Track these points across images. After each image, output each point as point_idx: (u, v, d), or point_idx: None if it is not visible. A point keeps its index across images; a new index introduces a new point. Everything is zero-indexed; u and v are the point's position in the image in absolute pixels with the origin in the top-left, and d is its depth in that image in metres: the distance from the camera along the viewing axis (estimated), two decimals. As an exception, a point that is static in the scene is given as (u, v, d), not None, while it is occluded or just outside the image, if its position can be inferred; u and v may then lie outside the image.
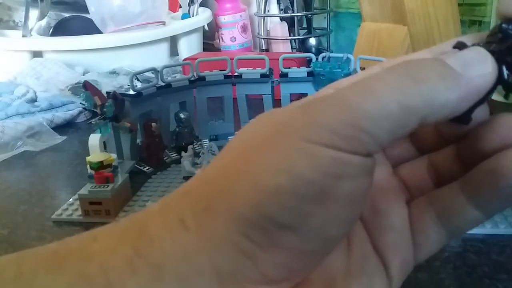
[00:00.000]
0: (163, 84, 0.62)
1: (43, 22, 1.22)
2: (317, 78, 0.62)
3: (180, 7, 1.32)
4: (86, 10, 1.13)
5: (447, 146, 0.19)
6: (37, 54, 1.05)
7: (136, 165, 0.59)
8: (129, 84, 0.59)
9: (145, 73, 0.76)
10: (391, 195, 0.20)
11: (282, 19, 1.09)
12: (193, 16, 1.22)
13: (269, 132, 0.16)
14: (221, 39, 1.16)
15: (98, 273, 0.15)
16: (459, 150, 0.19)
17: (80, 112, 0.86)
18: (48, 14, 1.20)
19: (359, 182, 0.15)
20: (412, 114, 0.15)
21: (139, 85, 0.62)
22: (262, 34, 1.10)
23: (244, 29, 1.15)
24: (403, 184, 0.20)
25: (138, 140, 0.61)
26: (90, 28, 1.11)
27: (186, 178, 0.52)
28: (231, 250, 0.15)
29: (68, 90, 0.92)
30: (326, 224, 0.15)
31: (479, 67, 0.16)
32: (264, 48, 1.13)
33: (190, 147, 0.54)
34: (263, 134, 0.16)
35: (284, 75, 0.63)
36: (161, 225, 0.16)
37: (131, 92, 0.58)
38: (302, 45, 1.09)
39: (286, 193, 0.15)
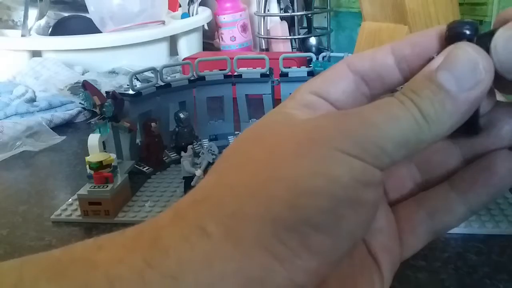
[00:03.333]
0: (162, 83, 0.61)
1: (42, 22, 1.22)
2: (317, 78, 0.62)
3: (180, 6, 1.32)
4: (85, 9, 1.13)
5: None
6: (36, 53, 1.04)
7: (135, 165, 0.59)
8: (128, 84, 0.59)
9: (144, 73, 0.76)
10: None
11: (282, 18, 1.08)
12: (192, 15, 1.22)
13: (300, 139, 0.16)
14: (221, 39, 1.16)
15: (103, 283, 0.14)
16: (458, 142, 0.20)
17: (79, 112, 0.86)
18: (47, 14, 1.20)
19: (379, 191, 0.17)
20: (424, 143, 0.16)
21: (138, 84, 0.62)
22: (262, 34, 1.10)
23: (244, 28, 1.15)
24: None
25: (138, 140, 0.61)
26: (90, 28, 1.10)
27: (186, 178, 0.52)
28: (262, 255, 0.15)
29: (67, 90, 0.92)
30: (356, 227, 0.16)
31: (472, 77, 0.16)
32: (264, 47, 1.13)
33: (189, 147, 0.54)
34: (293, 142, 0.16)
35: (284, 75, 0.63)
36: (177, 235, 0.15)
37: (131, 92, 0.58)
38: (302, 45, 1.09)
39: (323, 195, 0.15)
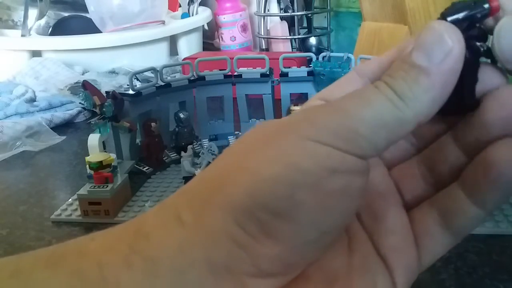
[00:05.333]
0: (162, 83, 0.61)
1: (42, 22, 1.22)
2: (317, 78, 0.62)
3: (180, 6, 1.32)
4: (85, 9, 1.13)
5: (442, 136, 0.20)
6: (36, 53, 1.04)
7: (135, 165, 0.59)
8: (128, 84, 0.59)
9: (144, 73, 0.76)
10: (388, 198, 0.20)
11: (282, 18, 1.08)
12: (192, 15, 1.22)
13: (271, 131, 0.17)
14: (221, 39, 1.16)
15: (93, 269, 0.16)
16: (458, 137, 0.19)
17: (79, 112, 0.86)
18: (47, 14, 1.20)
19: (352, 180, 0.16)
20: (407, 123, 0.16)
21: (138, 84, 0.62)
22: (262, 34, 1.10)
23: (244, 28, 1.15)
24: (396, 186, 0.21)
25: (138, 140, 0.61)
26: (89, 28, 1.10)
27: (186, 178, 0.52)
28: (226, 242, 0.16)
29: (67, 90, 0.92)
30: (319, 215, 0.16)
31: (440, 49, 0.16)
32: (264, 47, 1.12)
33: (189, 147, 0.54)
34: (264, 134, 0.17)
35: (284, 75, 0.63)
36: (158, 223, 0.17)
37: (131, 91, 0.58)
38: (302, 45, 1.09)
39: (280, 181, 0.15)
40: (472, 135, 0.18)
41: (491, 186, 0.17)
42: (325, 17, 1.08)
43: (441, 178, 0.19)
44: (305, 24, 1.12)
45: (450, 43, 0.16)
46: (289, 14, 1.04)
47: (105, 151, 0.54)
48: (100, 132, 0.55)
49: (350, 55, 0.60)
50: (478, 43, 0.17)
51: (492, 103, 0.17)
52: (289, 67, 0.64)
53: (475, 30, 0.17)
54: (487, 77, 0.17)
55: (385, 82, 0.16)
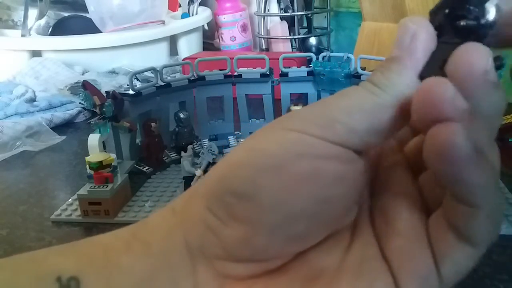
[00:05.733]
0: (162, 83, 0.61)
1: (42, 22, 1.22)
2: (317, 78, 0.62)
3: (180, 6, 1.32)
4: (85, 9, 1.13)
5: None
6: (36, 53, 1.04)
7: (135, 165, 0.59)
8: (128, 84, 0.59)
9: (144, 73, 0.76)
10: (404, 201, 0.19)
11: (282, 18, 1.08)
12: (192, 15, 1.22)
13: (264, 128, 0.18)
14: (221, 39, 1.16)
15: (99, 253, 0.19)
16: None
17: (79, 112, 0.86)
18: (47, 14, 1.20)
19: (322, 165, 0.16)
20: (385, 105, 0.16)
21: (138, 84, 0.62)
22: (262, 34, 1.10)
23: (244, 28, 1.15)
24: (419, 192, 0.19)
25: (138, 140, 0.61)
26: (89, 28, 1.10)
27: (186, 178, 0.52)
28: (200, 226, 0.18)
29: (67, 90, 0.92)
30: (283, 198, 0.16)
31: (406, 36, 0.17)
32: (264, 47, 1.12)
33: (189, 147, 0.54)
34: (258, 131, 0.18)
35: (284, 75, 0.63)
36: (158, 214, 0.20)
37: (131, 91, 0.58)
38: (303, 45, 1.09)
39: (244, 165, 0.17)
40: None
41: (436, 170, 0.16)
42: (325, 17, 1.08)
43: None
44: (305, 24, 1.12)
45: (414, 27, 0.17)
46: (289, 14, 1.04)
47: (105, 151, 0.54)
48: (100, 132, 0.55)
49: (350, 55, 0.60)
50: (461, 22, 0.17)
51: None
52: (289, 67, 0.64)
53: (462, 11, 0.17)
54: None
55: (366, 80, 0.18)
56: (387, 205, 0.19)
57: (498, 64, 0.16)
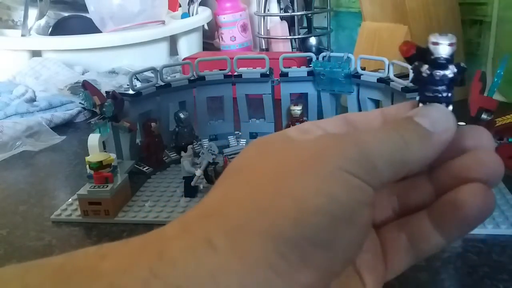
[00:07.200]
0: (162, 83, 0.61)
1: (42, 22, 1.22)
2: (317, 78, 0.62)
3: (180, 6, 1.32)
4: (85, 9, 1.13)
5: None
6: (36, 53, 1.04)
7: (135, 165, 0.59)
8: (128, 84, 0.59)
9: (144, 73, 0.76)
10: None
11: (282, 18, 1.08)
12: (192, 15, 1.22)
13: (303, 157, 0.18)
14: (221, 39, 1.16)
15: None
16: (434, 175, 0.21)
17: (79, 112, 0.86)
18: (47, 13, 1.20)
19: (371, 210, 0.18)
20: (406, 165, 0.19)
21: (138, 84, 0.62)
22: (262, 34, 1.10)
23: (244, 28, 1.15)
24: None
25: (138, 140, 0.61)
26: (89, 28, 1.10)
27: (186, 178, 0.52)
28: (264, 270, 0.15)
29: (67, 90, 0.92)
30: (351, 245, 0.17)
31: (444, 124, 0.20)
32: (264, 47, 1.12)
33: (189, 147, 0.54)
34: (297, 159, 0.18)
35: (284, 75, 0.63)
36: (184, 247, 0.16)
37: (131, 91, 0.58)
38: (302, 45, 1.09)
39: (324, 213, 0.16)
40: (448, 176, 0.20)
41: (457, 223, 0.19)
42: (325, 17, 1.08)
43: (408, 206, 0.22)
44: (305, 24, 1.12)
45: (453, 124, 0.20)
46: (289, 14, 1.04)
47: (105, 151, 0.54)
48: (100, 132, 0.55)
49: (350, 55, 0.60)
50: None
51: (472, 162, 0.20)
52: (289, 67, 0.64)
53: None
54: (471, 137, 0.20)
55: (393, 129, 0.19)
56: None
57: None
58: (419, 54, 0.20)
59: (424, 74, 0.20)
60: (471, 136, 0.20)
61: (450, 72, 0.19)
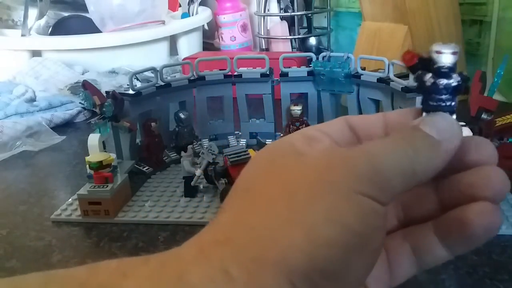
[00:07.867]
0: (162, 83, 0.61)
1: (42, 21, 1.22)
2: (317, 78, 0.62)
3: (180, 6, 1.32)
4: (85, 9, 1.13)
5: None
6: (36, 53, 1.04)
7: (135, 165, 0.59)
8: (128, 84, 0.59)
9: (144, 73, 0.76)
10: None
11: (282, 18, 1.08)
12: (192, 15, 1.22)
13: (313, 180, 0.17)
14: (221, 39, 1.16)
15: None
16: (441, 189, 0.21)
17: (79, 112, 0.86)
18: (47, 13, 1.20)
19: (384, 232, 0.18)
20: (416, 176, 0.18)
21: (138, 84, 0.62)
22: (262, 34, 1.10)
23: (244, 28, 1.15)
24: None
25: (138, 140, 0.61)
26: (89, 28, 1.11)
27: (186, 178, 0.52)
28: None
29: (67, 90, 0.92)
30: (363, 272, 0.17)
31: (450, 133, 0.19)
32: (264, 47, 1.12)
33: (189, 147, 0.54)
34: (307, 182, 0.17)
35: (284, 75, 0.63)
36: (203, 274, 0.16)
37: (131, 91, 0.58)
38: (302, 45, 1.09)
39: (338, 245, 0.16)
40: (454, 191, 0.20)
41: (463, 239, 0.19)
42: (325, 17, 1.08)
43: (413, 216, 0.22)
44: (305, 24, 1.12)
45: (459, 133, 0.19)
46: (289, 14, 1.04)
47: (105, 151, 0.54)
48: (100, 132, 0.55)
49: (350, 55, 0.60)
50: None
51: (479, 180, 0.19)
52: (289, 67, 0.64)
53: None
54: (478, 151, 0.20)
55: (403, 139, 0.19)
56: None
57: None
58: (421, 63, 0.20)
59: (427, 83, 0.19)
60: (475, 148, 0.20)
61: (453, 80, 0.19)
